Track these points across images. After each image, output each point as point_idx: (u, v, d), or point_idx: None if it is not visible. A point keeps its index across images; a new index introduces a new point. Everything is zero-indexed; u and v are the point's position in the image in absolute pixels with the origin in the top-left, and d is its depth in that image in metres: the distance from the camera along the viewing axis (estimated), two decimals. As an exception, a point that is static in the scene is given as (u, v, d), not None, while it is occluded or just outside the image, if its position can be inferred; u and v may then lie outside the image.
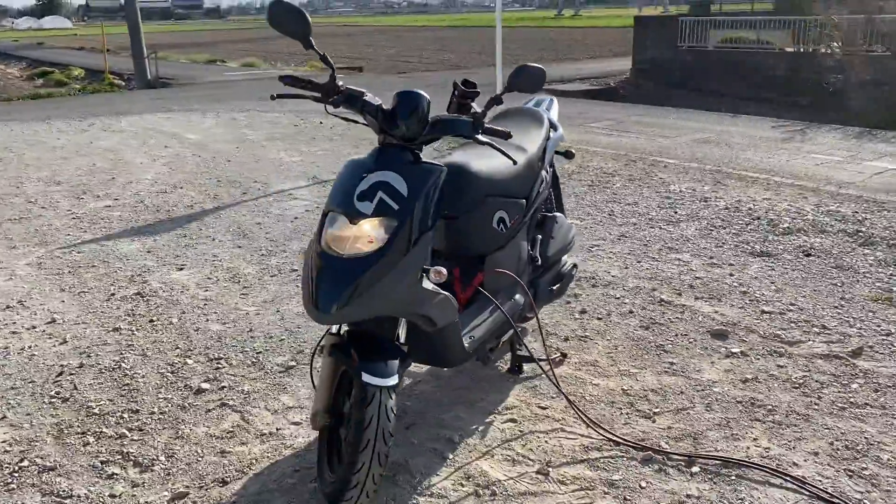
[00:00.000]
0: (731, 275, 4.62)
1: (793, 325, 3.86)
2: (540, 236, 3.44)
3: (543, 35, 38.68)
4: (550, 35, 38.39)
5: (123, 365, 3.60)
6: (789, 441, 2.85)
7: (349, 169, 2.56)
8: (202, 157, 8.80)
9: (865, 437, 2.85)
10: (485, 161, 3.03)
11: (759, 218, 5.79)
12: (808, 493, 2.54)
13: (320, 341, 2.73)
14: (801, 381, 3.29)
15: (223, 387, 3.38)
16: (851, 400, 3.13)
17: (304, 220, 6.02)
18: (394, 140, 2.54)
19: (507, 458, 2.80)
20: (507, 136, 2.69)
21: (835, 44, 13.07)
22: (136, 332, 3.98)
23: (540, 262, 3.37)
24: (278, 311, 4.19)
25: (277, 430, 3.04)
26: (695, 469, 2.69)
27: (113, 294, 4.53)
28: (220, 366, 3.57)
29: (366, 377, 2.32)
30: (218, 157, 8.79)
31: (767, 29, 15.02)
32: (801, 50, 14.46)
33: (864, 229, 5.43)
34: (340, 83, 2.62)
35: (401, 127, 2.49)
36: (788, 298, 4.20)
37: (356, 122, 2.76)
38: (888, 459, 2.71)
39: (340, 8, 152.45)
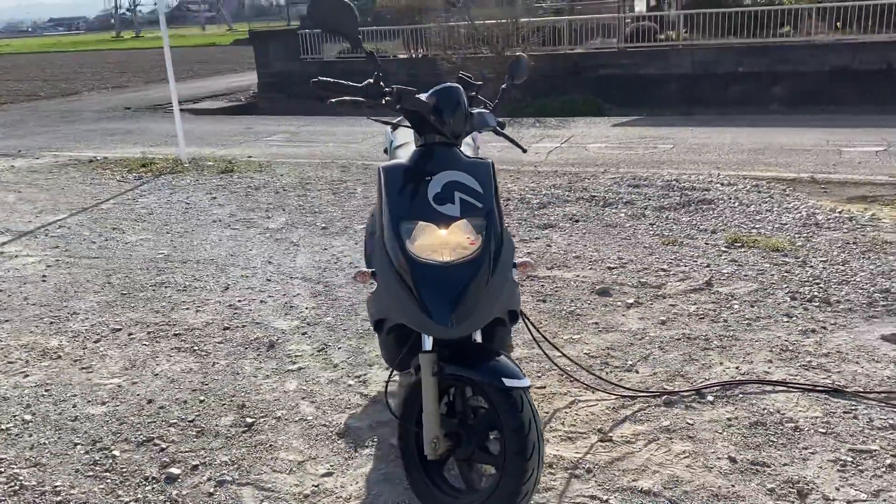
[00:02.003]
0: (549, 245, 5.12)
1: (640, 274, 4.48)
2: None
3: (120, 57, 36.08)
4: (125, 57, 35.94)
5: None
6: (742, 356, 3.39)
7: (400, 175, 2.38)
8: None
9: (786, 338, 3.52)
10: None
11: (509, 199, 6.44)
12: (797, 389, 3.08)
13: (391, 376, 2.48)
14: (699, 311, 3.89)
15: None
16: (744, 315, 3.80)
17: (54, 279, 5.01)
18: (436, 138, 2.43)
19: (562, 439, 2.85)
20: (503, 126, 2.76)
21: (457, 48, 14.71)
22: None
23: None
24: None
25: None
26: (709, 398, 3.06)
27: None
28: None
29: (508, 382, 2.21)
30: None
31: (385, 40, 16.26)
32: (415, 56, 15.96)
33: (591, 194, 6.40)
34: (384, 85, 2.42)
35: (449, 124, 2.39)
36: (613, 255, 4.84)
37: (396, 124, 2.55)
38: (815, 349, 3.40)
39: None
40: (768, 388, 3.11)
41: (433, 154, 2.41)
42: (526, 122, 11.85)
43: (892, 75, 12.48)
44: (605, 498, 2.50)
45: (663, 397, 3.08)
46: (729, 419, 2.90)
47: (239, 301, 4.38)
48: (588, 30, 15.50)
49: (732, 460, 2.64)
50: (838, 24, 14.03)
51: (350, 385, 3.34)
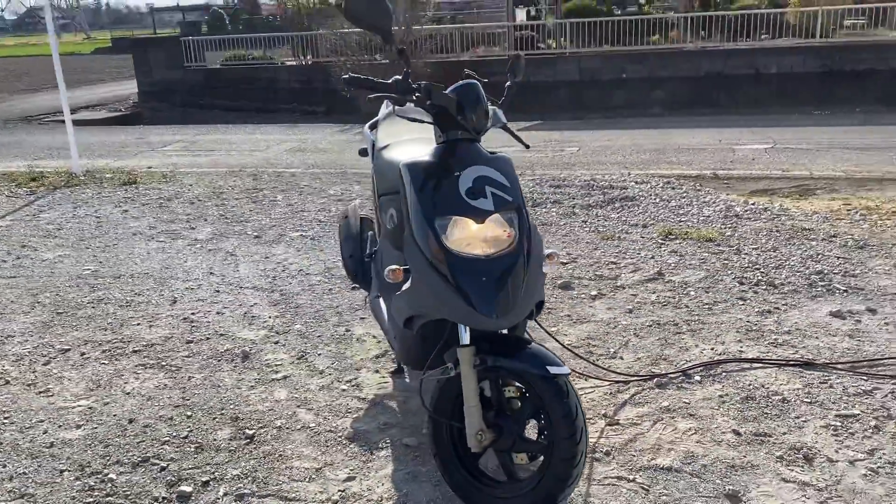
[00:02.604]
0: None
1: (594, 267, 4.64)
2: None
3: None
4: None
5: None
6: (713, 338, 3.58)
7: (428, 171, 2.39)
8: None
9: (747, 319, 3.76)
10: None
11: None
12: (773, 365, 3.30)
13: (426, 372, 2.47)
14: (660, 299, 4.08)
15: None
16: (702, 300, 4.02)
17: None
18: (458, 134, 2.45)
19: (572, 425, 2.92)
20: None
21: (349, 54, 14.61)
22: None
23: None
24: None
25: None
26: (696, 378, 3.23)
27: None
28: None
29: (553, 370, 2.26)
30: None
31: (274, 46, 15.94)
32: (305, 63, 15.76)
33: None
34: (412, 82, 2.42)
35: (472, 119, 2.42)
36: (561, 252, 4.98)
37: (422, 121, 2.55)
38: (776, 327, 3.65)
39: None
40: (746, 365, 3.31)
41: (457, 150, 2.43)
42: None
43: (759, 79, 13.50)
44: (631, 478, 2.59)
45: (654, 380, 3.22)
46: (721, 396, 3.07)
47: (193, 314, 4.19)
48: (475, 38, 15.84)
49: (736, 433, 2.80)
50: (702, 31, 15.09)
51: (344, 390, 3.28)
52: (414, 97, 2.40)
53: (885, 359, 3.29)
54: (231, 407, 3.17)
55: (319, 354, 3.63)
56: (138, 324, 4.08)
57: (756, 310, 3.88)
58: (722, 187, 7.04)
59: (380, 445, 2.85)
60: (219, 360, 3.60)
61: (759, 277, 4.29)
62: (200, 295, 4.47)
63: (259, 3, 31.14)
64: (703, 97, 13.49)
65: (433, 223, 2.32)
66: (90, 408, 3.21)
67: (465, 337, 2.35)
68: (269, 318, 4.10)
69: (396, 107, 2.51)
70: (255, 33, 16.05)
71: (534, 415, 2.38)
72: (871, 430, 2.78)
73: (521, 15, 20.56)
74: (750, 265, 4.52)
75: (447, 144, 2.45)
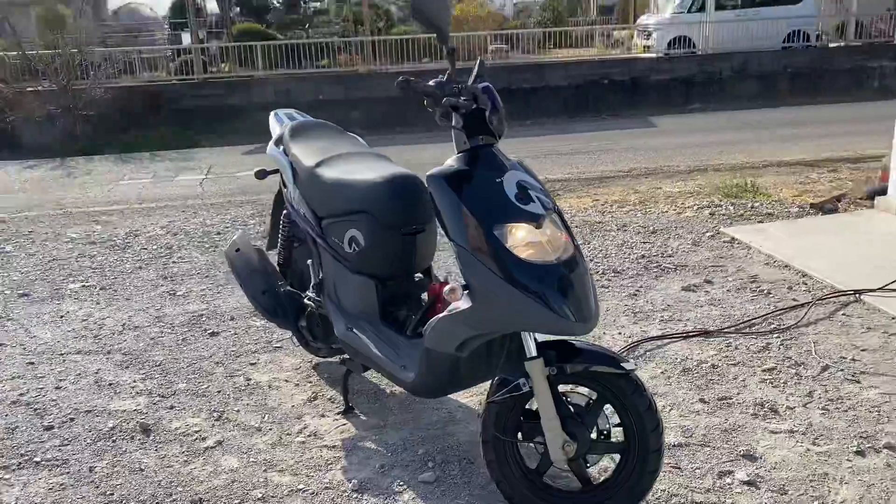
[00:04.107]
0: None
1: (447, 277, 4.64)
2: None
3: None
4: None
5: None
6: (611, 323, 3.83)
7: (467, 181, 2.26)
8: None
9: (626, 302, 4.07)
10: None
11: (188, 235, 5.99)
12: (679, 338, 3.63)
13: (491, 397, 2.29)
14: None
15: None
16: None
17: None
18: (479, 140, 2.35)
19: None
20: None
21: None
22: None
23: None
24: None
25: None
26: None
27: None
28: None
29: (626, 366, 2.27)
30: None
31: None
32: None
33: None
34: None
35: (495, 123, 2.35)
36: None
37: (457, 127, 2.34)
38: (651, 306, 4.01)
39: None
40: (658, 343, 3.59)
41: (487, 156, 2.31)
42: (131, 158, 10.86)
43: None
44: (656, 461, 2.67)
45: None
46: (663, 373, 3.30)
47: (20, 395, 3.31)
48: (141, 63, 14.82)
49: (704, 401, 3.04)
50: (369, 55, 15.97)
51: (303, 442, 2.87)
52: (460, 100, 2.23)
53: (755, 318, 3.81)
54: (180, 490, 2.58)
55: (238, 410, 3.12)
56: (-49, 420, 3.10)
57: (624, 293, 4.22)
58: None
59: (395, 489, 2.56)
60: (113, 442, 2.91)
61: (602, 267, 4.67)
62: (7, 372, 3.55)
63: None
64: (398, 117, 14.15)
65: (492, 233, 2.17)
66: (-25, 537, 2.38)
67: (533, 349, 2.24)
68: (134, 381, 3.41)
69: (443, 113, 2.30)
70: None
71: (599, 415, 2.34)
72: (795, 378, 3.21)
73: (186, 38, 19.61)
74: (587, 257, 4.89)
75: (473, 151, 2.31)
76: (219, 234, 5.94)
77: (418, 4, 2.17)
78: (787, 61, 15.24)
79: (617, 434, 2.34)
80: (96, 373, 3.51)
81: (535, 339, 2.24)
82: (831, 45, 16.68)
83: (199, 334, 3.90)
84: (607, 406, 2.32)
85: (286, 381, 3.36)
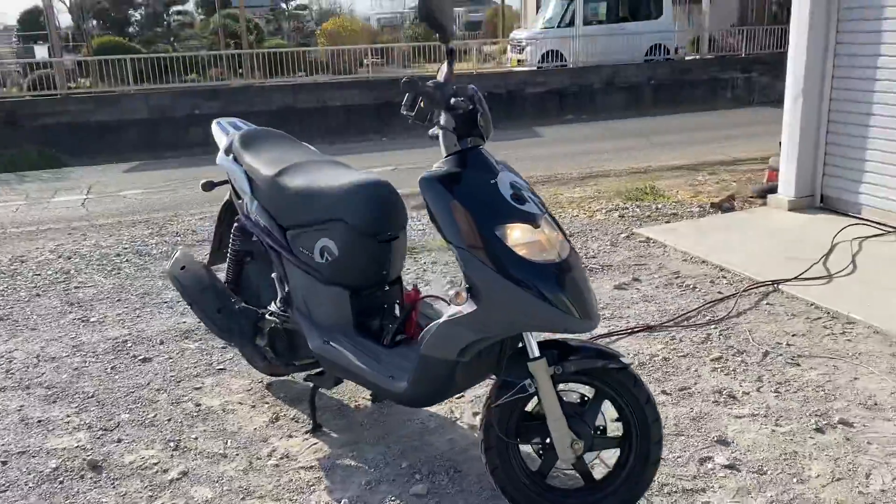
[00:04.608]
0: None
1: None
2: None
3: None
4: None
5: None
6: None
7: (462, 184, 2.24)
8: None
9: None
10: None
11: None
12: (625, 334, 3.73)
13: (493, 401, 2.25)
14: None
15: None
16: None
17: None
18: (468, 142, 2.33)
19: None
20: None
21: None
22: None
23: None
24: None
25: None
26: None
27: None
28: None
29: (624, 360, 2.31)
30: None
31: None
32: None
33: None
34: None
35: (484, 126, 2.34)
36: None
37: (448, 129, 2.28)
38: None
39: None
40: (608, 339, 3.68)
41: (478, 157, 2.30)
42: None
43: (326, 112, 14.37)
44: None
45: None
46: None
47: (-66, 441, 2.95)
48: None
49: (666, 393, 3.14)
50: (240, 70, 15.60)
51: (276, 465, 2.71)
52: (453, 101, 2.19)
53: (689, 312, 3.98)
54: (154, 528, 2.37)
55: (196, 438, 2.91)
56: None
57: (562, 296, 4.29)
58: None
59: (391, 505, 2.47)
60: (61, 483, 2.64)
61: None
62: (-87, 416, 3.16)
63: None
64: (284, 130, 13.82)
65: (493, 234, 2.15)
66: None
67: (536, 349, 2.23)
68: (68, 416, 3.12)
69: (437, 125, 2.25)
70: None
71: (598, 411, 2.35)
72: (742, 365, 3.38)
73: (41, 52, 18.35)
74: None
75: (464, 153, 2.28)
76: (118, 255, 5.55)
77: (427, 3, 2.12)
78: (650, 73, 16.12)
79: (613, 429, 2.37)
80: (19, 410, 3.18)
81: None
82: (688, 58, 17.82)
83: (129, 361, 3.61)
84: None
85: (240, 403, 3.17)
